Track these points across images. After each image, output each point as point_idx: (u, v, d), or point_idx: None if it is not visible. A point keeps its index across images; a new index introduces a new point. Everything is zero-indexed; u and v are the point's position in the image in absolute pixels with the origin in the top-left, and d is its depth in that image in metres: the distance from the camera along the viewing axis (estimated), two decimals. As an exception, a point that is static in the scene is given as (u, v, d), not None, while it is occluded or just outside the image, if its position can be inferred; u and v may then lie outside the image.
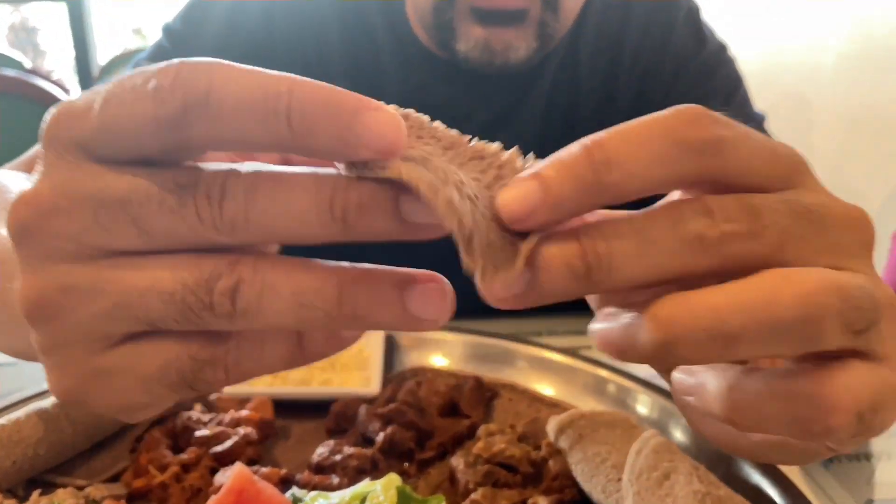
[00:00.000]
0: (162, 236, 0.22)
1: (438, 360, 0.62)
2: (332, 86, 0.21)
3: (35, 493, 0.45)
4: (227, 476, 0.44)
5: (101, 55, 4.47)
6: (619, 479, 0.42)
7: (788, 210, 0.23)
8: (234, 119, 0.21)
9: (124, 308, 0.22)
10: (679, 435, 0.51)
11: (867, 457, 0.52)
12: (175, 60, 0.21)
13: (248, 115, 0.21)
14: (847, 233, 0.24)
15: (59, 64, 7.27)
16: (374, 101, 0.22)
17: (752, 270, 0.22)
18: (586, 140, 0.22)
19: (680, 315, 0.22)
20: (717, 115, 0.23)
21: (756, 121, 0.73)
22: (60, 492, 0.45)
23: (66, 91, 2.66)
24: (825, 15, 1.10)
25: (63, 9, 4.41)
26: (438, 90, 0.72)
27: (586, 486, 0.45)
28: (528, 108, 0.73)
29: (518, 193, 0.22)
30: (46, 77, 2.81)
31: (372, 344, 0.61)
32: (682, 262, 0.22)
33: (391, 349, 0.62)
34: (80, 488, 0.46)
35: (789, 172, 0.24)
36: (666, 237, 0.22)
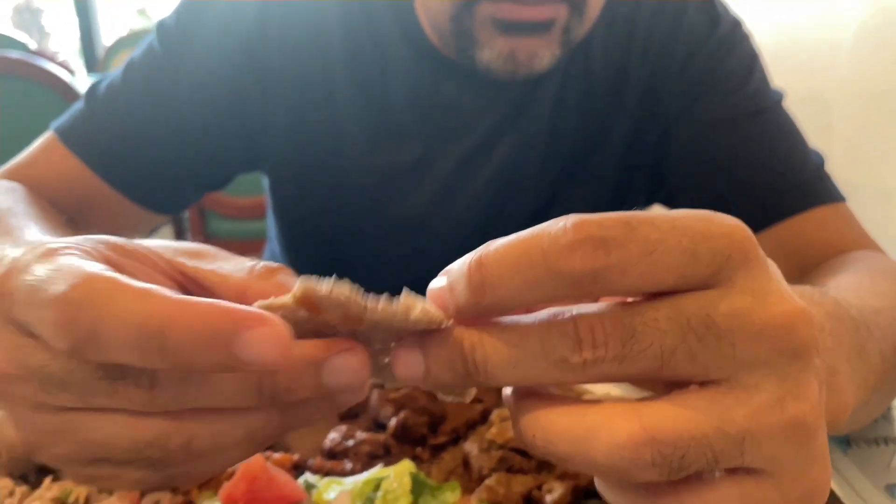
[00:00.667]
0: (105, 405, 0.25)
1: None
2: (211, 305, 0.22)
3: (47, 480, 0.45)
4: (240, 463, 0.43)
5: (106, 36, 4.46)
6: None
7: (677, 327, 0.22)
8: (120, 355, 0.22)
9: (89, 452, 0.25)
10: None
11: (886, 441, 0.52)
12: (64, 295, 0.22)
13: (131, 354, 0.22)
14: (760, 343, 0.22)
15: (63, 45, 7.24)
16: (253, 316, 0.22)
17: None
18: (470, 257, 0.23)
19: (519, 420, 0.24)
20: (609, 229, 0.21)
21: (773, 100, 0.69)
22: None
23: (72, 72, 2.63)
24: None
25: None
26: (447, 91, 0.68)
27: (602, 471, 0.44)
28: (538, 103, 0.69)
29: (405, 366, 0.25)
30: (52, 59, 2.79)
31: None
32: (551, 377, 0.23)
33: (402, 333, 0.62)
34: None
35: (714, 270, 0.22)
36: (535, 356, 0.23)
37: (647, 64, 0.69)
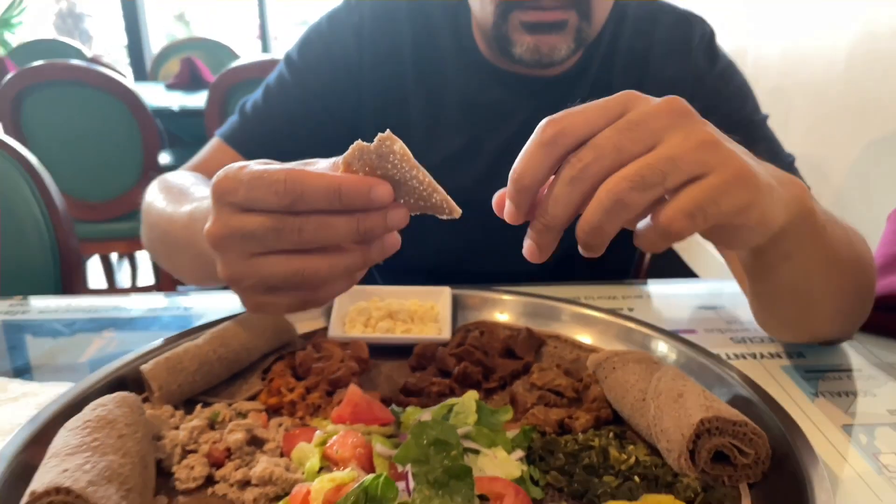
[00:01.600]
0: (274, 248, 0.46)
1: (496, 316, 0.76)
2: (356, 176, 0.45)
3: (198, 407, 0.60)
4: (345, 393, 0.58)
5: (150, 40, 4.66)
6: (644, 400, 0.55)
7: (615, 130, 0.41)
8: (314, 205, 0.44)
9: (263, 282, 0.48)
10: (685, 366, 0.64)
11: (847, 393, 0.64)
12: (283, 177, 0.44)
13: (321, 202, 0.44)
14: (660, 119, 0.41)
15: (107, 48, 7.47)
16: (374, 180, 0.45)
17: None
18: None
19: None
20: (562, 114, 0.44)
21: (761, 118, 0.87)
22: (216, 405, 0.60)
23: (123, 75, 2.81)
24: (834, 16, 1.19)
25: (116, -2, 4.57)
26: (492, 92, 0.88)
27: (617, 405, 0.58)
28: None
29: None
30: (109, 66, 2.98)
31: (442, 302, 0.75)
32: (580, 193, 0.42)
33: (457, 306, 0.76)
34: (228, 405, 0.61)
35: (623, 107, 0.43)
36: (561, 180, 0.43)
37: (659, 87, 0.84)
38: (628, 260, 1.04)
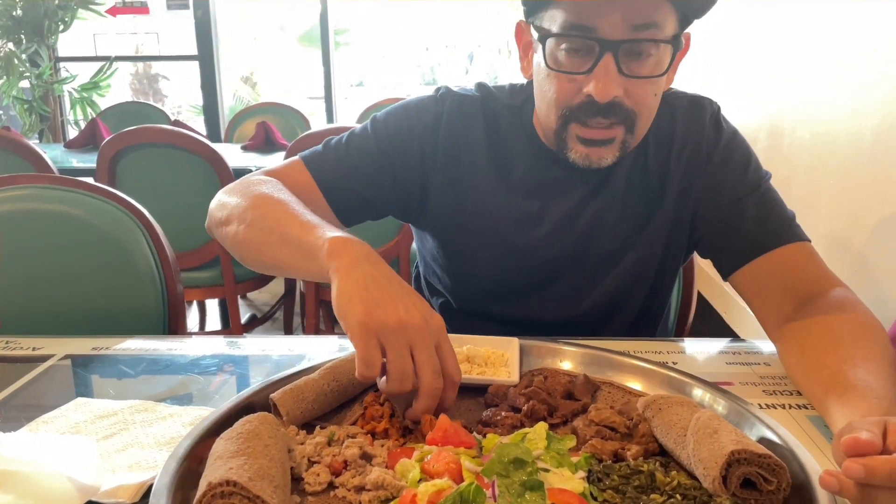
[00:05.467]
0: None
1: (558, 364, 0.88)
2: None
3: (317, 428, 0.74)
4: (426, 422, 0.71)
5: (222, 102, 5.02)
6: (685, 435, 0.67)
7: None
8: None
9: None
10: (721, 412, 0.75)
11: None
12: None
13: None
14: None
15: (179, 108, 7.98)
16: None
17: None
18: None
19: None
20: None
21: (765, 179, 1.04)
22: (331, 427, 0.74)
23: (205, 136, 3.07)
24: (858, 103, 1.31)
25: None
26: (551, 171, 1.05)
27: (662, 440, 0.69)
28: (612, 184, 1.05)
29: None
30: (190, 128, 3.26)
31: (511, 350, 0.88)
32: None
33: (523, 354, 0.89)
34: (339, 428, 0.74)
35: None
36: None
37: (682, 165, 1.05)
38: (658, 318, 1.16)
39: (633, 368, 0.85)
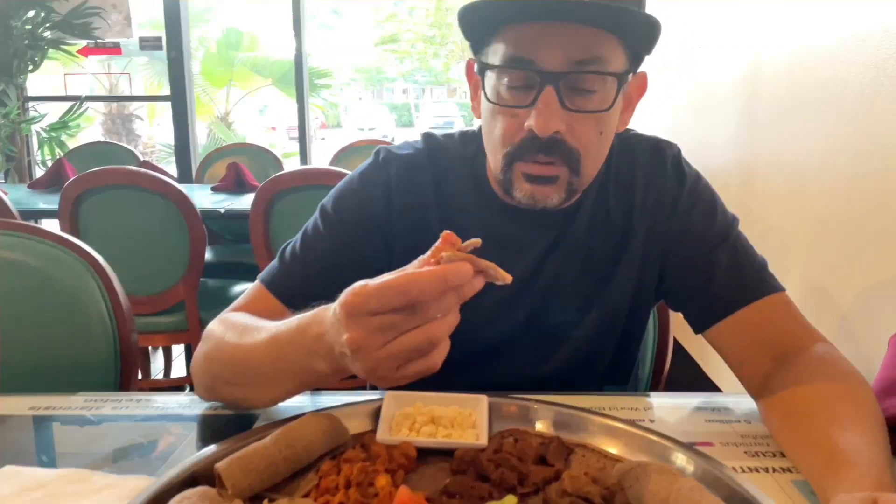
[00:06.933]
0: (407, 327, 0.62)
1: (529, 424, 0.83)
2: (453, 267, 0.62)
3: (265, 501, 0.67)
4: (386, 491, 0.65)
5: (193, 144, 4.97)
6: (665, 508, 0.62)
7: None
8: (431, 294, 0.61)
9: (394, 359, 0.63)
10: (702, 478, 0.70)
11: None
12: (405, 281, 0.61)
13: (435, 291, 0.60)
14: None
15: (152, 147, 7.91)
16: (465, 267, 0.62)
17: None
18: None
19: None
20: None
21: (732, 227, 1.00)
22: (282, 501, 0.67)
23: (175, 179, 2.99)
24: (830, 160, 1.31)
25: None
26: (506, 227, 1.00)
27: (641, 513, 0.64)
28: (571, 237, 1.00)
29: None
30: (159, 168, 3.20)
31: (479, 409, 0.83)
32: None
33: (492, 413, 0.83)
34: (290, 501, 0.68)
35: None
36: None
37: (646, 210, 1.00)
38: (630, 368, 1.12)
39: (609, 430, 0.80)
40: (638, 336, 1.09)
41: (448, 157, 1.03)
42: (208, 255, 2.57)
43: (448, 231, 0.65)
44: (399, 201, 1.01)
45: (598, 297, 1.01)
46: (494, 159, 0.93)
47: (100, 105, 9.23)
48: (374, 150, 1.05)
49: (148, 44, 4.66)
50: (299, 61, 5.17)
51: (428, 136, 1.06)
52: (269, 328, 0.78)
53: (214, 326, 0.91)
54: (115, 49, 4.63)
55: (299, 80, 5.17)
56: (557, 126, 0.84)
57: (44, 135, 4.77)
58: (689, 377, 2.09)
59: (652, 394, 0.98)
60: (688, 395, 0.99)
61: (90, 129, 6.93)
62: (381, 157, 1.03)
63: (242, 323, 0.85)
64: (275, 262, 1.02)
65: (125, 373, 1.30)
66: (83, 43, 4.75)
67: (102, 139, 4.64)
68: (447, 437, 0.79)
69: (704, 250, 0.98)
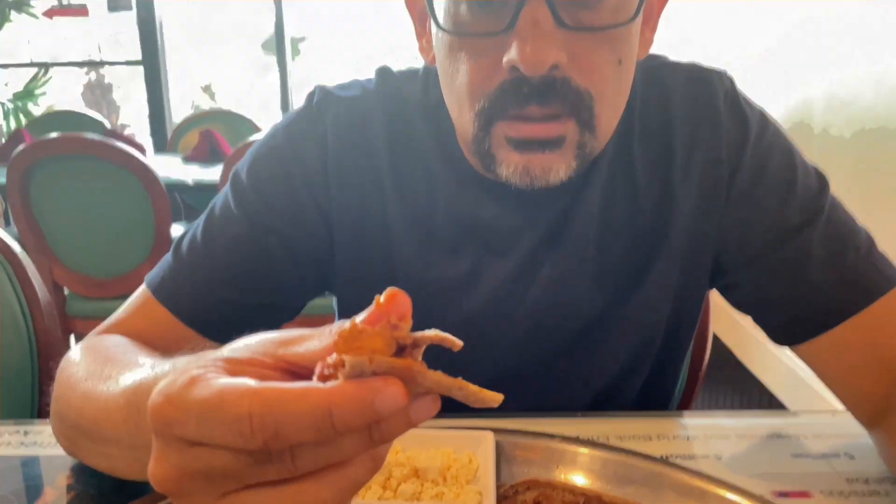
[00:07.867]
0: (258, 481, 0.31)
1: (554, 473, 0.59)
2: (355, 384, 0.29)
3: None
4: None
5: (175, 112, 4.70)
6: None
7: None
8: (299, 438, 0.29)
9: None
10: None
11: None
12: (246, 411, 0.28)
13: (308, 435, 0.28)
14: None
15: (133, 118, 7.64)
16: (380, 381, 0.29)
17: None
18: None
19: None
20: None
21: (819, 201, 0.68)
22: None
23: (143, 150, 2.73)
24: None
25: (138, 68, 4.64)
26: (487, 212, 0.70)
27: None
28: (581, 218, 0.70)
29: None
30: (128, 140, 2.93)
31: (482, 452, 0.59)
32: None
33: (500, 457, 0.59)
34: None
35: None
36: None
37: (692, 174, 0.69)
38: (672, 387, 0.83)
39: (673, 484, 0.56)
40: (682, 350, 0.80)
41: (408, 104, 0.72)
42: (180, 230, 2.32)
43: (394, 289, 0.32)
44: (340, 167, 0.70)
45: (621, 305, 0.72)
46: (461, 118, 0.62)
47: (80, 75, 8.93)
48: (308, 93, 0.74)
49: (117, 5, 4.32)
50: (279, 26, 4.88)
51: (383, 72, 0.74)
52: (130, 374, 0.49)
53: (75, 354, 0.63)
54: (81, 10, 4.30)
55: (280, 45, 4.87)
56: (554, 56, 0.55)
57: (9, 105, 4.48)
58: (729, 375, 1.82)
59: (707, 413, 0.74)
60: (757, 415, 0.76)
61: (71, 101, 6.66)
62: (315, 101, 0.72)
63: (105, 356, 0.57)
64: (167, 257, 0.72)
65: (44, 374, 1.08)
66: (48, 5, 4.42)
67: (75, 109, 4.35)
68: (437, 496, 0.55)
69: (785, 235, 0.67)
